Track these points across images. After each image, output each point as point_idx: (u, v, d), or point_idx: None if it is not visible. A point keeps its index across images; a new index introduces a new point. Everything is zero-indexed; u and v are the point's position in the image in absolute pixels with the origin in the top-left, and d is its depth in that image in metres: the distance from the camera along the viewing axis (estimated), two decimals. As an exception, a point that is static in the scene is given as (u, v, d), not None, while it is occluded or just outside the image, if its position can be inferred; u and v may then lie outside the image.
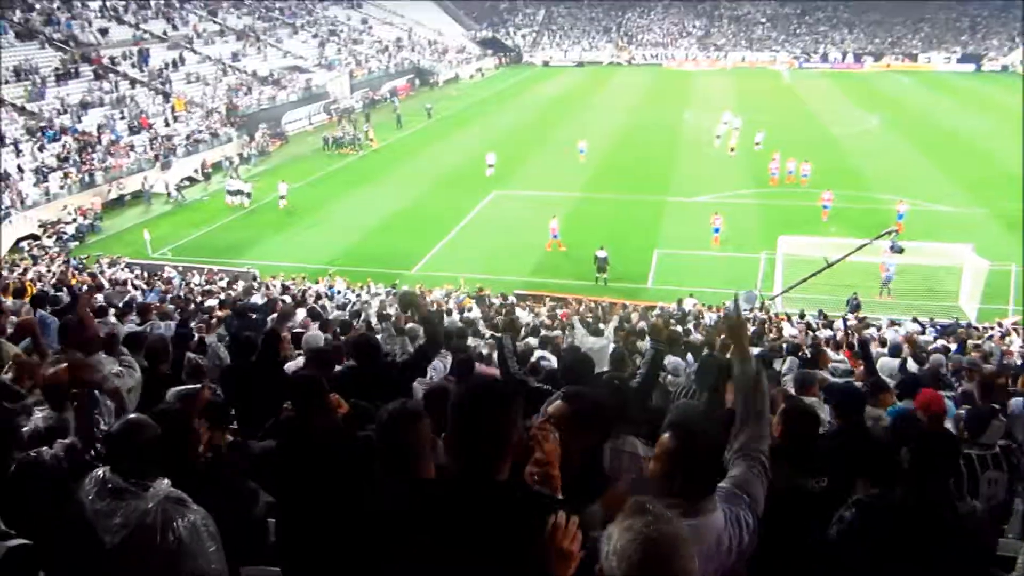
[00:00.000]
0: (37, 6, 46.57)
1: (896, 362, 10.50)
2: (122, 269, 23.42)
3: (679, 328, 14.26)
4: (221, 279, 22.69)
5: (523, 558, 2.30)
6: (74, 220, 31.30)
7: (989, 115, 49.63)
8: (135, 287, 18.96)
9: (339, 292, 21.18)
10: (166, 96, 45.25)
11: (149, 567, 3.07)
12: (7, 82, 38.30)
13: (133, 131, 40.10)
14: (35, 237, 30.01)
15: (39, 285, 15.10)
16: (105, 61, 45.27)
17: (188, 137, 41.66)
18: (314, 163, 42.72)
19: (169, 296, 17.43)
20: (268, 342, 6.82)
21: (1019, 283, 22.63)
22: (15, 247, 28.72)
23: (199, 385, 5.26)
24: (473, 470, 2.48)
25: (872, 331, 16.61)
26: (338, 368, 6.63)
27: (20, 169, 32.72)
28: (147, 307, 11.82)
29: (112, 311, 11.60)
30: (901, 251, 20.73)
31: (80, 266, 23.27)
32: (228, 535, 3.41)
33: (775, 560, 3.28)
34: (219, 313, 13.87)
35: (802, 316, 19.68)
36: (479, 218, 32.43)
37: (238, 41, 58.20)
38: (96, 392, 4.33)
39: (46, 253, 27.13)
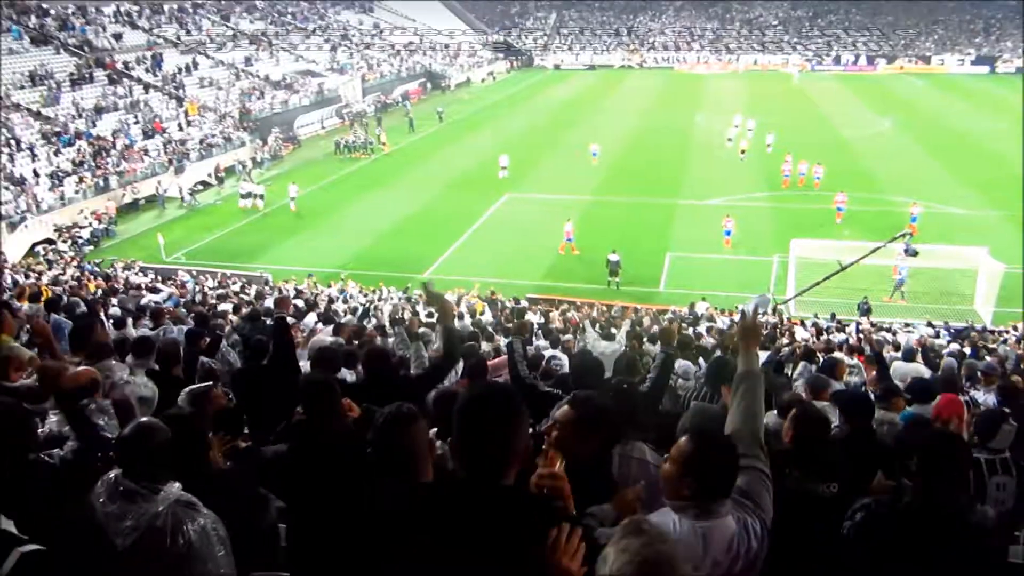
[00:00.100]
0: (52, 12, 47.00)
1: (910, 366, 10.44)
2: (136, 273, 23.58)
3: (691, 331, 14.22)
4: (234, 283, 22.80)
5: (524, 565, 2.30)
6: (89, 224, 31.54)
7: (1003, 117, 49.22)
8: (150, 290, 19.10)
9: (351, 296, 21.24)
10: (179, 101, 45.57)
11: (158, 570, 3.09)
12: (23, 87, 38.69)
13: (147, 135, 40.39)
14: (50, 241, 30.23)
15: (55, 290, 15.20)
16: (119, 66, 45.65)
17: (201, 141, 41.95)
18: (326, 167, 42.87)
19: (183, 300, 17.53)
20: (278, 331, 6.82)
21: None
22: (31, 251, 28.94)
23: (211, 383, 5.28)
24: (478, 475, 2.48)
25: (886, 335, 16.52)
26: (351, 379, 6.63)
27: (36, 174, 33.00)
28: (160, 311, 11.89)
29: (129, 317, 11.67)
30: (915, 254, 20.63)
31: (95, 270, 23.44)
32: (238, 540, 3.42)
33: (785, 564, 3.27)
34: (232, 318, 13.93)
35: (813, 324, 19.57)
36: (491, 221, 32.47)
37: (251, 45, 58.52)
38: (95, 400, 4.32)
39: (61, 257, 27.34)
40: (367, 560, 2.69)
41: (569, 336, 13.81)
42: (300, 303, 17.19)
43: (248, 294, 19.83)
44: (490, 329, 14.39)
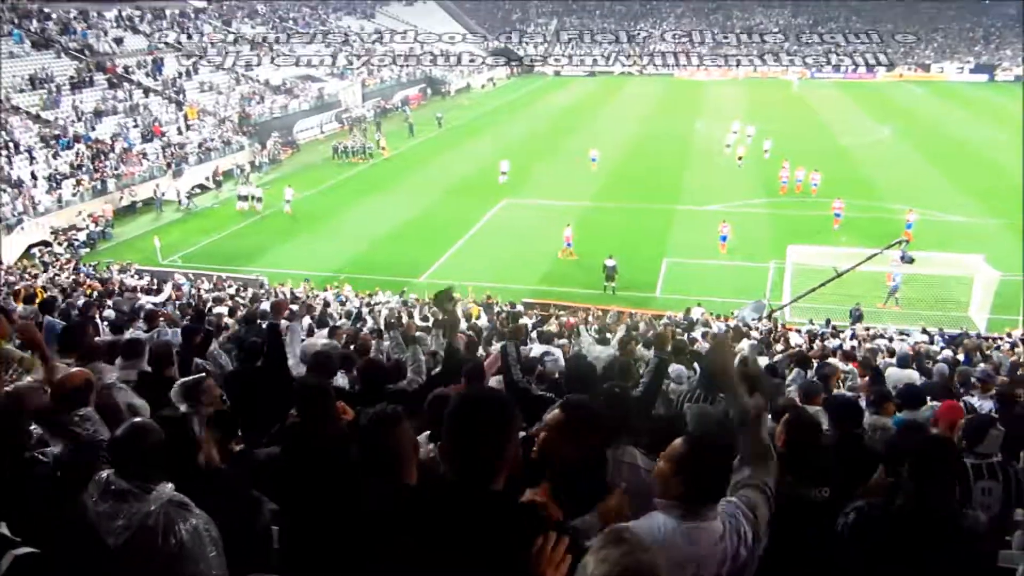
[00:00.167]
0: (54, 16, 47.05)
1: (903, 372, 10.47)
2: (132, 276, 23.56)
3: (685, 336, 14.23)
4: (230, 286, 22.78)
5: (509, 571, 2.30)
6: (86, 227, 31.53)
7: (1002, 126, 49.25)
8: (151, 291, 19.08)
9: (347, 299, 21.24)
10: (179, 105, 45.60)
11: (150, 570, 3.10)
12: (22, 90, 38.70)
13: (146, 139, 40.44)
14: (47, 244, 30.22)
15: (50, 292, 15.20)
16: (120, 70, 45.68)
17: (200, 145, 41.99)
18: (325, 171, 42.88)
19: (179, 303, 17.51)
20: (271, 336, 6.86)
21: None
22: (27, 253, 28.92)
23: (203, 375, 5.27)
24: (467, 478, 2.48)
25: (881, 342, 16.54)
26: (345, 385, 6.65)
27: (33, 176, 33.00)
28: (155, 314, 11.89)
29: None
30: (911, 261, 20.71)
31: (90, 273, 23.42)
32: (231, 542, 3.43)
33: (778, 569, 3.28)
34: (228, 320, 13.92)
35: (807, 331, 19.59)
36: (489, 226, 32.48)
37: (251, 51, 58.58)
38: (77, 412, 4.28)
39: (57, 259, 27.32)
40: (356, 562, 2.69)
41: (564, 341, 13.82)
42: (295, 307, 17.15)
43: (244, 297, 19.81)
44: (486, 333, 14.40)
